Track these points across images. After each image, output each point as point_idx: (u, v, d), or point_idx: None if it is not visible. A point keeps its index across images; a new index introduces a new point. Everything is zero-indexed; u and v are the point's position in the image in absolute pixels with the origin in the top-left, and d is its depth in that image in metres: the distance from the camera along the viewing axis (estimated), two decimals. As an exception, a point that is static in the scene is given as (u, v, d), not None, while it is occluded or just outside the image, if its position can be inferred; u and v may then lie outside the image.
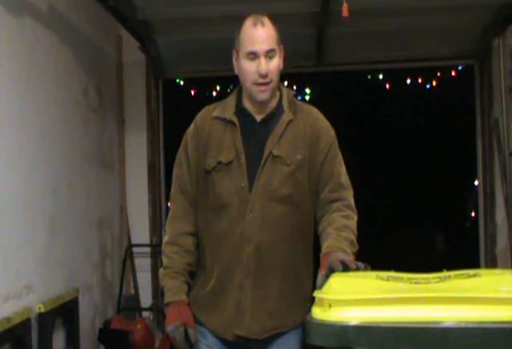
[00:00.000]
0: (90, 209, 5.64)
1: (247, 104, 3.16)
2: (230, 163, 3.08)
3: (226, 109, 3.17)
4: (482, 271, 2.47)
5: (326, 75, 8.94)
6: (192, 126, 3.25)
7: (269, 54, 3.04)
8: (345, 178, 3.19)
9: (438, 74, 10.29)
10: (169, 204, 3.33)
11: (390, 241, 12.57)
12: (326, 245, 2.93)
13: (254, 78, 3.03)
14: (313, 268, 3.11)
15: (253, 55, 3.03)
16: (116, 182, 6.51)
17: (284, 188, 3.06)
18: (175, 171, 3.26)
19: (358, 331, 2.13)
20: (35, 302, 4.36)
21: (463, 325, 2.08)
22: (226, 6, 5.66)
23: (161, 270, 3.17)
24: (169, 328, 3.04)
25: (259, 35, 3.04)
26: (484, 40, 6.62)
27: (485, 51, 6.72)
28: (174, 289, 3.10)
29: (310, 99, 11.87)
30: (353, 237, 2.99)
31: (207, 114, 3.21)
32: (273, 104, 3.14)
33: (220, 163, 3.09)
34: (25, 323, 4.15)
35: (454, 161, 11.90)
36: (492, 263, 6.60)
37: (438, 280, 2.35)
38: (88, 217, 5.59)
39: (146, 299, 6.57)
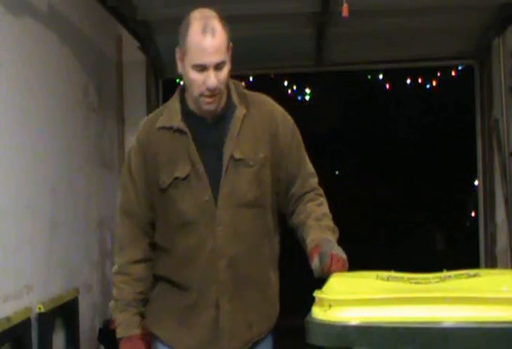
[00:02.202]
0: (90, 208, 5.64)
1: (194, 106, 2.89)
2: (187, 176, 2.83)
3: (171, 116, 2.89)
4: (482, 271, 2.47)
5: (326, 75, 8.96)
6: (134, 143, 2.97)
7: (219, 66, 2.77)
8: (310, 166, 3.03)
9: (438, 74, 10.31)
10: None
11: (390, 241, 12.57)
12: (311, 238, 2.81)
13: (202, 90, 2.77)
14: (278, 271, 3.01)
15: (201, 68, 2.75)
16: (116, 181, 6.50)
17: (251, 192, 2.85)
18: (120, 197, 3.01)
19: (358, 331, 2.13)
20: (35, 302, 4.36)
21: (463, 325, 2.08)
22: (226, 6, 5.63)
23: (111, 303, 3.01)
24: None
25: (208, 46, 2.74)
26: (484, 40, 6.62)
27: (485, 51, 6.72)
28: (125, 324, 2.93)
29: (310, 99, 11.87)
30: (333, 224, 2.90)
31: (150, 126, 2.93)
32: (223, 101, 2.88)
33: (176, 178, 2.83)
34: (25, 323, 4.15)
35: (454, 161, 11.91)
36: (492, 263, 6.60)
37: (438, 280, 2.35)
38: (88, 216, 5.59)
39: (146, 299, 6.55)
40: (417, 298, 2.16)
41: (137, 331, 2.93)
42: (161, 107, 3.06)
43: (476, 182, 7.57)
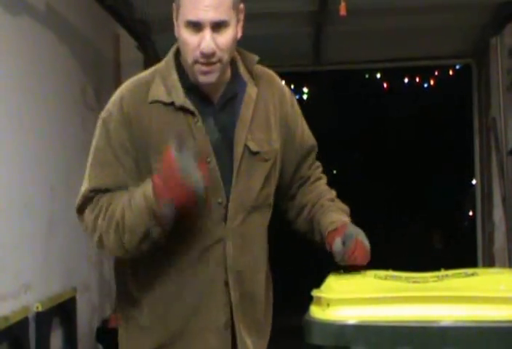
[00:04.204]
0: (88, 208, 5.63)
1: (193, 77, 2.31)
2: None
3: (170, 89, 2.29)
4: (480, 270, 2.47)
5: (324, 74, 8.96)
6: (115, 113, 2.30)
7: (218, 26, 2.21)
8: (312, 138, 2.62)
9: (436, 73, 10.32)
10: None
11: (387, 240, 12.57)
12: (331, 220, 2.43)
13: (195, 56, 2.22)
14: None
15: (195, 26, 2.20)
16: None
17: (264, 191, 2.40)
18: (92, 174, 2.35)
19: (355, 330, 2.13)
20: (33, 301, 4.36)
21: (461, 324, 2.08)
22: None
23: (126, 234, 2.23)
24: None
25: None
26: (481, 39, 6.62)
27: (483, 50, 6.73)
28: (140, 191, 2.20)
29: (307, 98, 11.87)
30: (347, 207, 2.57)
31: (138, 95, 2.31)
32: (227, 76, 2.37)
33: None
34: (23, 323, 4.14)
35: (451, 160, 11.91)
36: (490, 262, 6.61)
37: (436, 279, 2.35)
38: (86, 216, 5.58)
39: (144, 298, 6.55)
40: (415, 297, 2.16)
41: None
42: (149, 72, 2.40)
43: (474, 181, 7.58)
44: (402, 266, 2.62)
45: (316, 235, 2.52)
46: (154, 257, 2.32)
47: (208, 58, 2.21)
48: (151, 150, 2.27)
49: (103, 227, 2.29)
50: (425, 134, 12.52)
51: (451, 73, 9.65)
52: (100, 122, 2.34)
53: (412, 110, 12.11)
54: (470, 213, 10.54)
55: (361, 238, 2.39)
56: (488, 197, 6.72)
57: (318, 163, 2.67)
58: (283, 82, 2.58)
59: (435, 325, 2.09)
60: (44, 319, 4.43)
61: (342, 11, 4.61)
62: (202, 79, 2.26)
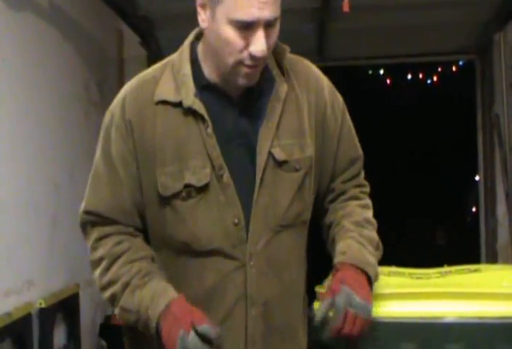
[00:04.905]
0: (91, 204, 5.63)
1: (215, 76, 1.99)
2: (206, 185, 1.94)
3: (179, 86, 1.95)
4: (483, 266, 2.48)
5: (327, 70, 8.96)
6: (117, 113, 1.99)
7: (271, 24, 1.92)
8: (357, 149, 2.23)
9: (439, 69, 10.29)
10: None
11: (390, 236, 12.59)
12: (344, 250, 2.05)
13: (242, 57, 1.90)
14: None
15: (246, 25, 1.86)
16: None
17: (294, 206, 2.04)
18: (88, 196, 2.18)
19: (359, 327, 2.13)
20: (36, 298, 4.36)
21: (464, 320, 2.08)
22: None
23: (116, 309, 2.02)
24: None
25: None
26: (485, 35, 6.61)
27: (486, 46, 6.71)
28: (158, 292, 1.93)
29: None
30: (377, 237, 2.17)
31: (143, 95, 1.98)
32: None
33: (187, 186, 1.94)
34: (26, 319, 4.14)
35: (455, 156, 11.90)
36: (493, 258, 6.60)
37: (439, 275, 2.35)
38: (89, 212, 5.58)
39: (147, 294, 6.55)
40: (418, 293, 2.16)
41: (174, 293, 1.93)
42: (161, 64, 2.06)
43: (477, 178, 7.58)
44: (405, 262, 2.62)
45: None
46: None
47: (257, 61, 1.91)
48: (158, 159, 1.97)
49: (101, 280, 2.10)
50: (428, 130, 12.51)
51: (454, 69, 9.62)
52: (103, 124, 2.08)
53: (415, 106, 12.10)
54: (474, 209, 10.53)
55: (353, 311, 1.92)
56: (491, 193, 6.71)
57: (360, 182, 2.28)
58: (325, 79, 2.28)
59: (438, 321, 2.10)
60: (47, 315, 4.43)
61: (345, 8, 4.60)
62: (243, 82, 1.95)
